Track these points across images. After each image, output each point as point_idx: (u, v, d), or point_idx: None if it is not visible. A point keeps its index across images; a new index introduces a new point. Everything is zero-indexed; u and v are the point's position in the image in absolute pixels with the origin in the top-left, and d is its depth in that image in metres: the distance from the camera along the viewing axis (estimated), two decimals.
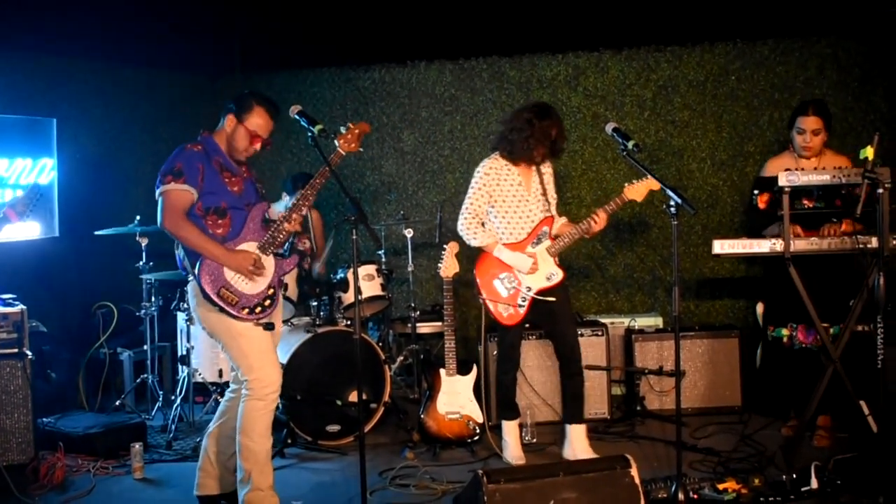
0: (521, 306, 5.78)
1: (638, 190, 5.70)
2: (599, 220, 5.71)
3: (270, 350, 4.95)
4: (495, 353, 6.65)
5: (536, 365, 6.69)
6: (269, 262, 4.95)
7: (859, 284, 5.38)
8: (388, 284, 7.41)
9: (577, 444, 5.88)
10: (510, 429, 5.98)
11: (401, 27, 7.64)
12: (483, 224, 5.89)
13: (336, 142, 4.96)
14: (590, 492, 4.07)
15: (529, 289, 5.78)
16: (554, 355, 6.05)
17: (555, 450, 6.10)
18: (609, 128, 5.55)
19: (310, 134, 4.69)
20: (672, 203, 4.95)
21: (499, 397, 6.11)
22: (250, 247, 4.88)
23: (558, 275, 5.81)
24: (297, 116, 4.77)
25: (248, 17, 8.64)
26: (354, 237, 4.59)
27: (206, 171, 4.78)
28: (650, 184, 5.68)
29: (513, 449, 5.93)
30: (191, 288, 4.90)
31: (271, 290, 4.94)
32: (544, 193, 5.92)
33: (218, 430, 5.09)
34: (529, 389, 6.61)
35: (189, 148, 4.81)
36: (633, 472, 4.16)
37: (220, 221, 4.83)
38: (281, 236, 4.93)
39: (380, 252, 7.50)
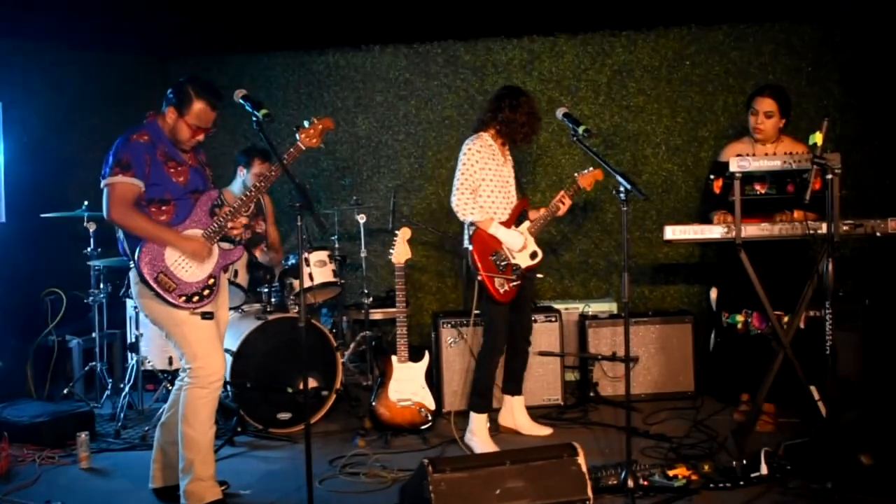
0: (513, 283, 5.81)
1: (586, 179, 5.95)
2: (566, 203, 5.94)
3: (214, 338, 4.88)
4: (450, 339, 6.64)
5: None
6: (213, 251, 4.89)
7: (811, 271, 5.38)
8: (342, 270, 7.35)
9: (519, 412, 6.20)
10: (480, 422, 5.90)
11: (355, 11, 7.51)
12: None
13: (297, 135, 4.87)
14: (536, 480, 4.03)
15: (518, 266, 5.85)
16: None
17: (508, 437, 6.07)
18: (559, 113, 5.56)
19: (254, 119, 4.59)
20: (622, 189, 4.90)
21: (478, 385, 5.96)
22: (195, 233, 4.82)
23: (540, 254, 5.96)
24: (241, 101, 4.67)
25: None
26: (300, 223, 4.51)
27: (152, 163, 4.71)
28: (596, 174, 5.99)
29: (484, 444, 5.83)
30: (132, 275, 4.82)
31: (211, 280, 4.88)
32: (516, 177, 6.04)
33: (170, 420, 5.01)
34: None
35: (135, 139, 4.71)
36: (581, 459, 4.13)
37: (163, 209, 4.77)
38: (227, 226, 4.85)
39: (333, 238, 7.43)
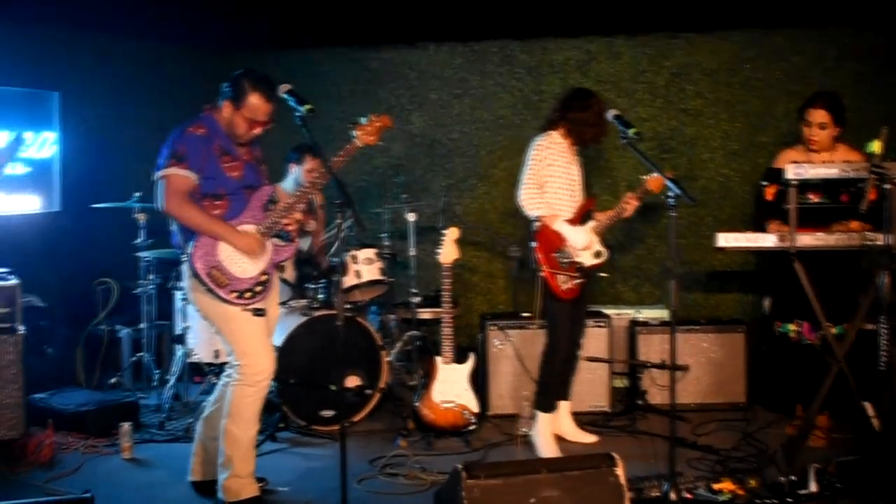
0: (577, 280, 5.75)
1: (655, 182, 5.74)
2: (631, 206, 5.84)
3: (264, 335, 4.85)
4: (496, 342, 6.56)
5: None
6: (266, 247, 4.85)
7: (867, 282, 5.22)
8: (392, 269, 7.30)
9: (565, 419, 6.10)
10: (545, 422, 5.85)
11: (411, 8, 7.48)
12: None
13: (354, 132, 4.80)
14: (572, 490, 3.94)
15: (582, 265, 5.77)
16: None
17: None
18: (610, 114, 5.47)
19: (298, 114, 4.53)
20: (671, 193, 4.79)
21: (544, 384, 5.90)
22: (249, 228, 4.78)
23: (605, 253, 5.86)
24: (285, 95, 4.60)
25: None
26: (339, 221, 4.45)
27: (207, 156, 4.68)
28: (659, 180, 5.70)
29: (548, 444, 5.79)
30: (184, 268, 4.81)
31: (264, 277, 4.84)
32: (584, 177, 5.99)
33: (212, 415, 5.00)
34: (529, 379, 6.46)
35: (191, 131, 4.69)
36: (619, 470, 4.03)
37: (217, 203, 4.74)
38: (281, 222, 4.82)
39: (383, 235, 7.39)
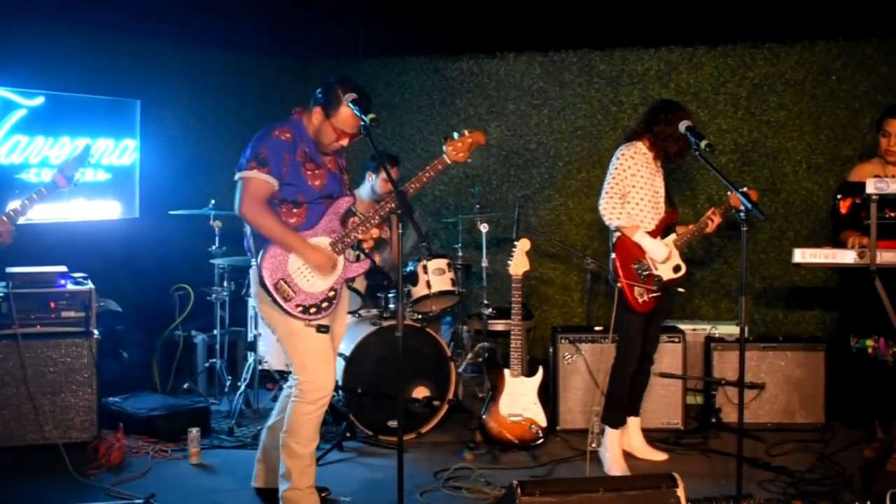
0: (654, 293, 5.64)
1: (737, 198, 5.43)
2: (715, 220, 5.75)
3: (326, 352, 4.77)
4: (567, 356, 6.46)
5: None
6: (339, 261, 4.76)
7: None
8: (466, 279, 7.26)
9: (634, 435, 5.98)
10: (614, 438, 5.78)
11: (490, 18, 7.46)
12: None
13: (444, 147, 4.69)
14: None
15: (661, 278, 5.66)
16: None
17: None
18: (682, 126, 5.33)
19: (363, 124, 4.46)
20: (742, 208, 4.65)
21: (611, 397, 5.82)
22: (322, 241, 4.70)
23: (683, 268, 5.75)
24: (350, 104, 4.51)
25: (339, 2, 8.57)
26: (399, 231, 4.40)
27: (290, 162, 4.60)
28: (751, 194, 5.46)
29: (615, 460, 5.72)
30: (252, 273, 4.77)
31: (332, 293, 4.74)
32: (667, 190, 5.86)
33: (276, 424, 4.99)
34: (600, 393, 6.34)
35: (277, 135, 4.59)
36: (680, 492, 3.90)
37: (294, 211, 4.66)
38: (356, 237, 4.74)
39: (457, 246, 7.35)
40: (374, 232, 4.80)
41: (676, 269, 5.72)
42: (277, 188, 4.59)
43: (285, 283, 4.62)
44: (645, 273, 5.64)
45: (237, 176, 4.60)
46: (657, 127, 5.64)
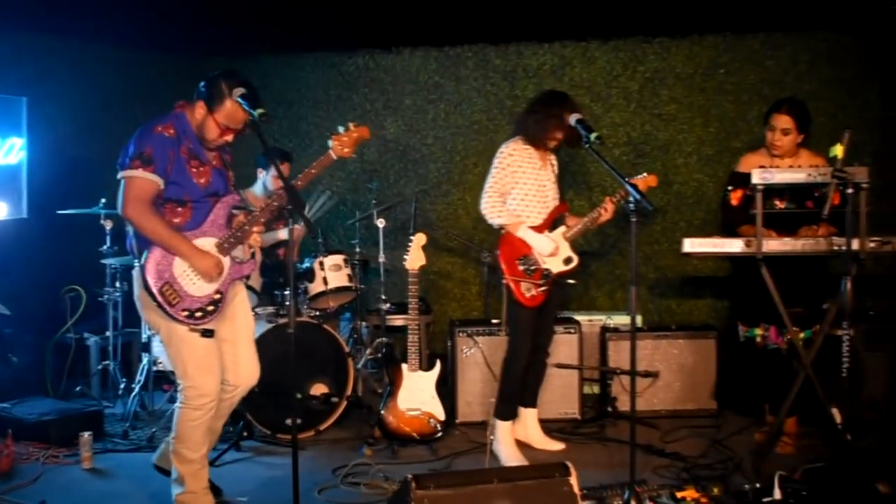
0: (542, 287, 5.64)
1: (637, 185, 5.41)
2: (608, 210, 5.72)
3: (210, 356, 4.62)
4: (465, 349, 6.48)
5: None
6: (224, 263, 4.65)
7: (834, 288, 5.15)
8: (364, 275, 7.23)
9: (531, 425, 5.99)
10: (506, 431, 5.77)
11: (386, 12, 7.41)
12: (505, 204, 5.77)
13: (329, 142, 4.62)
14: (524, 500, 3.84)
15: (549, 271, 5.66)
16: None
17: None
18: (573, 119, 5.35)
19: (251, 118, 4.34)
20: (631, 199, 4.71)
21: (504, 392, 5.80)
22: (208, 242, 4.58)
23: (575, 260, 5.77)
24: (239, 99, 4.40)
25: None
26: (290, 227, 4.34)
27: (174, 160, 4.45)
28: (649, 180, 5.78)
29: (510, 452, 5.71)
30: (136, 276, 4.59)
31: (217, 296, 4.62)
32: (557, 181, 5.87)
33: None
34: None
35: (160, 131, 4.44)
36: (573, 480, 3.93)
37: (179, 210, 4.53)
38: (242, 236, 4.63)
39: (354, 242, 7.31)
40: (258, 228, 4.68)
41: (567, 261, 5.75)
42: (163, 187, 4.45)
43: (170, 286, 4.48)
44: (532, 268, 5.66)
45: (120, 175, 4.43)
46: (530, 118, 5.68)
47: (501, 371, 5.84)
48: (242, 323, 4.88)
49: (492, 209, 5.67)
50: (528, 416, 6.00)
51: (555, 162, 5.95)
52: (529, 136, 5.70)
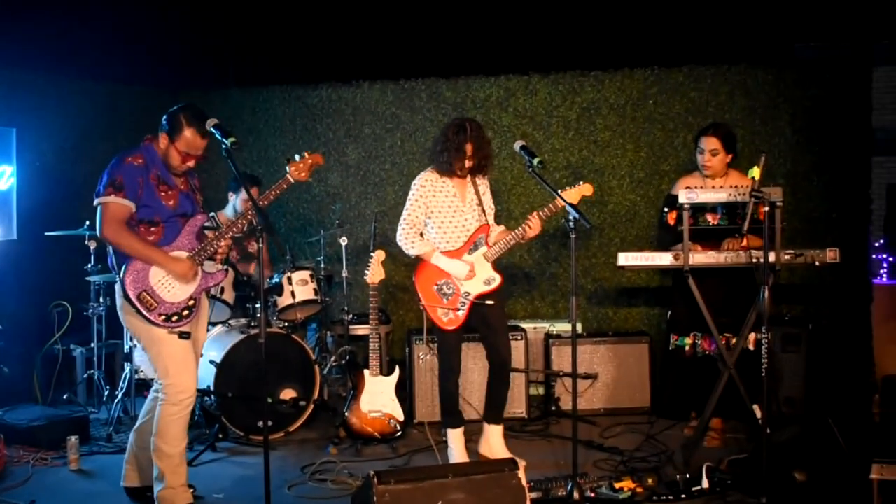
0: (460, 310, 5.45)
1: (571, 195, 5.23)
2: (534, 226, 5.38)
3: (188, 357, 4.72)
4: (421, 355, 6.48)
5: (479, 367, 6.32)
6: (197, 273, 4.75)
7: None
8: (329, 289, 7.21)
9: (495, 442, 5.62)
10: (455, 437, 5.60)
11: (347, 49, 7.44)
12: (421, 234, 5.60)
13: (287, 167, 4.71)
14: (477, 493, 3.86)
15: (468, 294, 5.45)
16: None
17: (472, 446, 5.79)
18: (517, 145, 5.33)
19: (223, 146, 4.40)
20: (571, 217, 4.73)
21: (442, 405, 5.65)
22: (181, 254, 4.67)
23: (496, 279, 5.49)
24: (212, 129, 4.49)
25: (208, 37, 8.42)
26: (261, 245, 4.33)
27: (144, 185, 4.57)
28: (583, 189, 5.32)
29: (459, 457, 5.54)
30: (117, 288, 4.69)
31: (191, 302, 4.73)
32: (480, 204, 5.60)
33: (143, 427, 4.89)
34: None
35: (129, 161, 4.58)
36: (521, 473, 3.95)
37: (152, 230, 4.64)
38: (212, 250, 4.71)
39: (319, 258, 7.28)
40: (226, 242, 4.75)
41: (488, 281, 5.49)
42: (135, 210, 4.57)
43: (147, 294, 4.58)
44: (450, 292, 5.49)
45: (96, 202, 4.59)
46: (436, 149, 5.51)
47: (438, 387, 5.71)
48: (199, 336, 4.99)
49: (405, 240, 5.54)
50: (492, 433, 5.65)
51: (483, 184, 5.67)
52: (438, 165, 5.53)
